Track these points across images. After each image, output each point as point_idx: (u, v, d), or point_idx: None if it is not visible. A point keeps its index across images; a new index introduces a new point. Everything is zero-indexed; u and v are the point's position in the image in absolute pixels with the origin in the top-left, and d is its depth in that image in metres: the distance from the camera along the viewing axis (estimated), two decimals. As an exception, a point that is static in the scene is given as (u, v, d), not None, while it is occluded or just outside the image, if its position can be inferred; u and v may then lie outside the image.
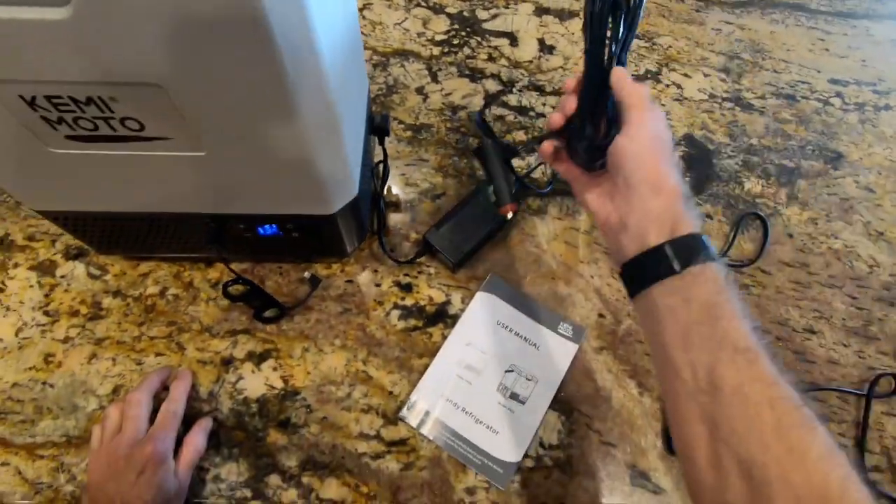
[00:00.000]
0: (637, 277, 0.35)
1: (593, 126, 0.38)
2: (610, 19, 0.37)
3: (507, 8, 0.81)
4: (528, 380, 0.53)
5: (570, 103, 0.40)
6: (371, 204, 0.59)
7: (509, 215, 0.46)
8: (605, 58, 0.38)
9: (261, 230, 0.50)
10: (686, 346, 0.31)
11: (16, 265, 0.57)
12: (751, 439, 0.28)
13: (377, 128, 0.54)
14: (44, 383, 0.51)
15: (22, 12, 0.27)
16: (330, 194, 0.45)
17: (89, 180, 0.42)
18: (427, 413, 0.51)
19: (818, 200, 0.66)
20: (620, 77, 0.37)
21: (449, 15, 0.80)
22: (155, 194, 0.44)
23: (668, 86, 0.74)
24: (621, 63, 0.38)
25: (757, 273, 0.60)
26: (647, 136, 0.35)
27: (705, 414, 0.30)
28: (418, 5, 0.80)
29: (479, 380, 0.53)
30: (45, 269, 0.57)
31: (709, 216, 0.64)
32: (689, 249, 0.33)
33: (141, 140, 0.37)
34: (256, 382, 0.52)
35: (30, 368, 0.52)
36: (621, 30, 0.37)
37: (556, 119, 0.41)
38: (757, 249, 0.62)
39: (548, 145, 0.42)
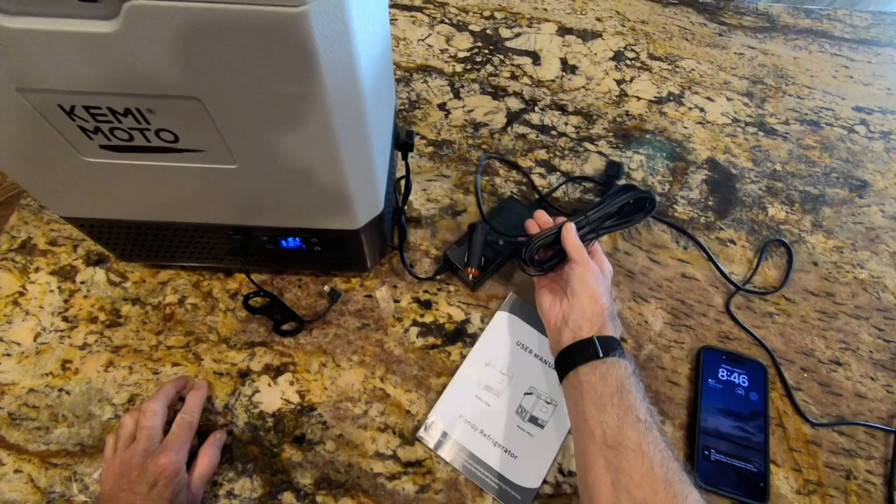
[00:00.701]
0: (569, 360, 0.45)
1: (544, 248, 0.51)
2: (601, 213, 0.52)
3: (530, 27, 0.82)
4: (548, 403, 0.52)
5: (544, 222, 0.53)
6: (392, 219, 0.59)
7: (470, 276, 0.54)
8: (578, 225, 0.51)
9: (284, 243, 0.50)
10: (600, 410, 0.41)
11: (37, 269, 0.57)
12: (645, 486, 0.37)
13: (402, 143, 0.54)
14: (60, 390, 0.51)
15: (70, 24, 0.27)
16: (356, 210, 0.45)
17: (119, 189, 0.42)
18: (444, 434, 0.50)
19: (843, 229, 0.65)
20: (565, 231, 0.50)
21: (472, 32, 0.80)
22: (183, 205, 0.44)
23: (690, 109, 0.74)
24: (597, 234, 0.52)
25: (781, 301, 0.59)
26: (591, 268, 0.48)
27: (610, 465, 0.39)
28: (442, 22, 0.81)
29: (497, 401, 0.52)
30: (65, 274, 0.57)
31: (732, 241, 0.63)
32: (610, 345, 0.44)
33: (174, 151, 0.37)
34: (273, 396, 0.52)
35: (46, 374, 0.52)
36: (598, 217, 0.52)
37: (532, 226, 0.54)
38: (781, 276, 0.61)
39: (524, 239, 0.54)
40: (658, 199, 0.66)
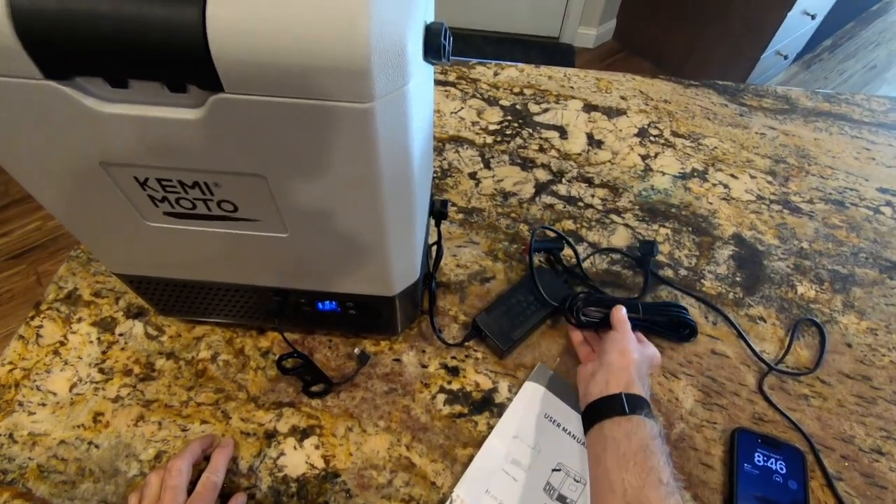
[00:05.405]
0: (596, 414, 0.46)
1: (596, 308, 0.56)
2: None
3: (558, 103, 0.86)
4: (577, 481, 0.50)
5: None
6: (423, 283, 0.60)
7: None
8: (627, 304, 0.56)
9: (320, 305, 0.51)
10: (623, 468, 0.41)
11: (79, 320, 0.59)
12: None
13: (437, 212, 0.57)
14: (90, 443, 0.51)
15: (158, 111, 0.30)
16: (394, 278, 0.46)
17: (174, 251, 0.44)
18: (470, 510, 0.48)
19: (876, 310, 0.64)
20: (616, 309, 0.55)
21: (502, 107, 0.85)
22: (231, 267, 0.46)
23: (714, 185, 0.76)
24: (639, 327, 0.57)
25: (816, 383, 0.58)
26: (627, 335, 0.52)
27: None
28: (474, 97, 0.86)
29: (525, 476, 0.51)
30: (106, 325, 0.59)
31: (762, 319, 0.63)
32: (636, 403, 0.45)
33: (231, 220, 0.39)
34: (297, 460, 0.51)
35: (78, 426, 0.52)
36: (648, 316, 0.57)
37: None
38: (814, 357, 0.60)
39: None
40: (686, 272, 0.66)
